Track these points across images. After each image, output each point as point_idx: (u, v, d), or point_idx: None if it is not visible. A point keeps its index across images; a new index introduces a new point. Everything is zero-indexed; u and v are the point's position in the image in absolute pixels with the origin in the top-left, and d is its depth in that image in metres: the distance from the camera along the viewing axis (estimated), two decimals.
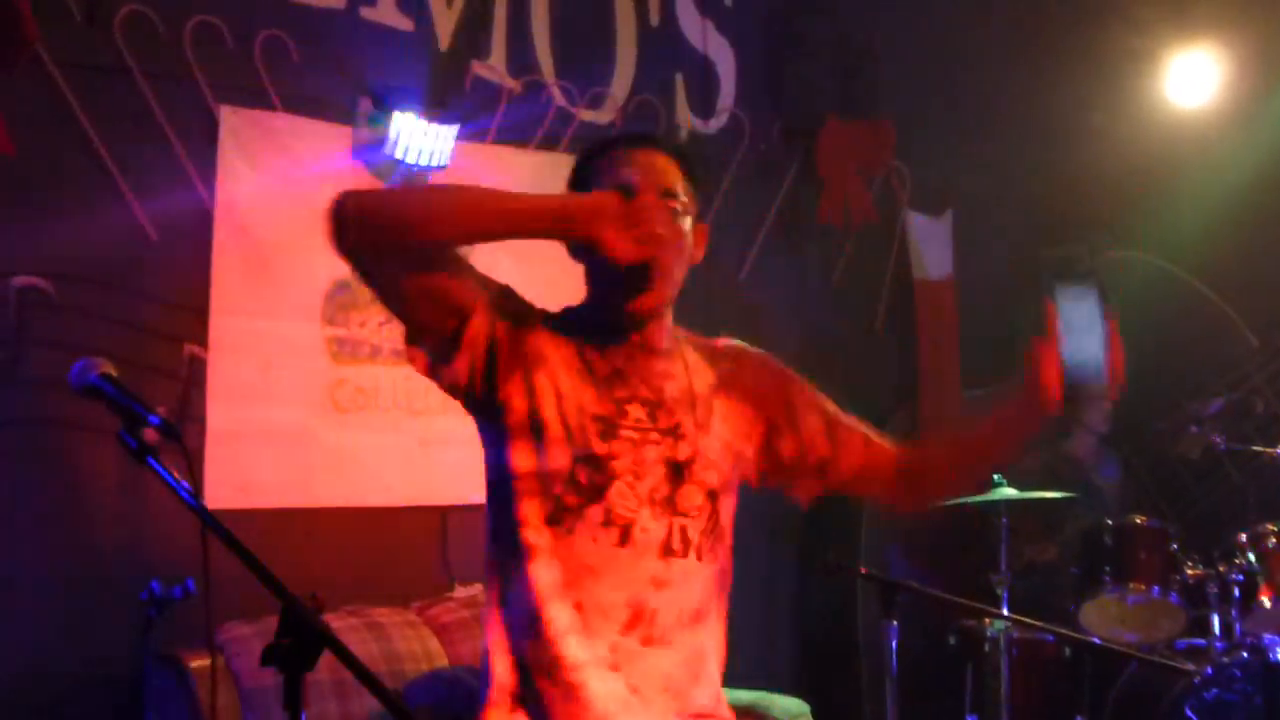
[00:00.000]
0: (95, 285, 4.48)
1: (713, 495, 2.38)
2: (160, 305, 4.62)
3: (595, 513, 2.29)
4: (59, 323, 4.37)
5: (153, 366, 4.55)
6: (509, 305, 2.38)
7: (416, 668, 4.65)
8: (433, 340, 2.33)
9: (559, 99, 5.58)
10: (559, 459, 2.30)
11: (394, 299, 2.32)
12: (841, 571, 5.39)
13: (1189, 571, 5.64)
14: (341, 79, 4.98)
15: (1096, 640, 5.56)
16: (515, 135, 5.45)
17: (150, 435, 2.21)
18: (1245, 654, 5.48)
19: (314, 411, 4.93)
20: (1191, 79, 6.52)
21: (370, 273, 2.31)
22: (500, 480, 2.39)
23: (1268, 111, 6.43)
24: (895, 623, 3.91)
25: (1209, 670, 5.44)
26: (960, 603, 4.64)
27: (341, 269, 4.89)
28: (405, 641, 4.73)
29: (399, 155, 4.94)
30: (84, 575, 4.39)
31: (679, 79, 6.01)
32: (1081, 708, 5.78)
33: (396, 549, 5.14)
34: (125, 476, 4.44)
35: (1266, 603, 5.44)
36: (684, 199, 2.38)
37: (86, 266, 4.45)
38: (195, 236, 4.68)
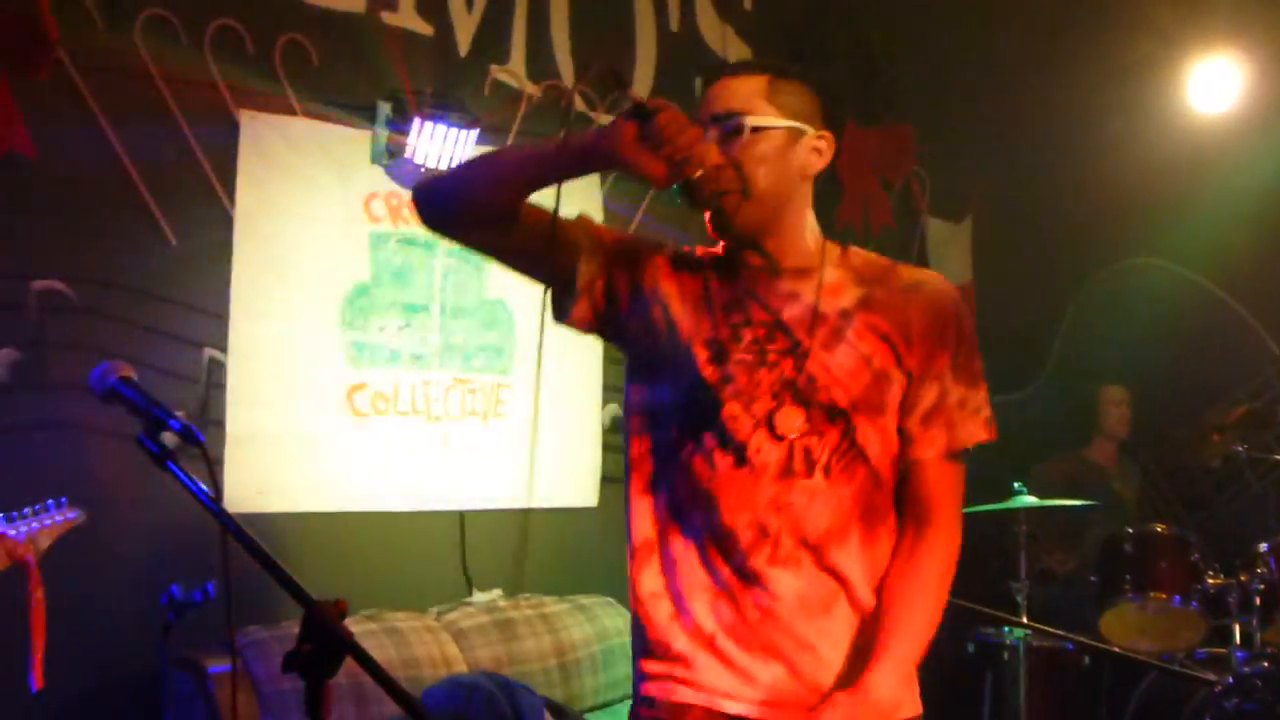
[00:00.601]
0: (115, 289, 4.48)
1: (841, 413, 2.34)
2: (180, 309, 4.62)
3: (710, 438, 2.34)
4: (78, 326, 4.37)
5: (172, 370, 4.56)
6: (622, 248, 2.49)
7: (434, 673, 4.64)
8: (555, 290, 2.49)
9: (578, 104, 5.57)
10: (675, 390, 2.39)
11: (503, 263, 2.53)
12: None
13: (1210, 580, 5.61)
14: (362, 83, 4.98)
15: (1116, 649, 5.54)
16: (537, 137, 5.45)
17: (171, 439, 2.20)
18: (1266, 663, 5.47)
19: (332, 416, 4.92)
20: (1213, 85, 6.49)
21: (465, 243, 2.54)
22: (629, 413, 2.50)
23: None
24: None
25: (1230, 680, 5.42)
26: (980, 610, 4.63)
27: (360, 273, 4.94)
28: (423, 646, 4.72)
29: (418, 160, 4.94)
30: (103, 579, 4.39)
31: (699, 84, 5.99)
32: (1101, 717, 5.76)
33: (414, 553, 5.14)
34: (144, 480, 4.43)
35: None
36: (755, 109, 2.39)
37: (106, 270, 4.46)
38: (215, 240, 4.68)
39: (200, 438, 2.18)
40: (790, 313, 2.39)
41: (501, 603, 5.17)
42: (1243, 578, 5.54)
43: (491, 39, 5.37)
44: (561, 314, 2.50)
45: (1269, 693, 5.41)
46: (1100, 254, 7.10)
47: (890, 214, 6.57)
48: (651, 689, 2.38)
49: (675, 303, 2.43)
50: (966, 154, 6.77)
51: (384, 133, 4.97)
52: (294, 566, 2.03)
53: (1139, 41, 6.60)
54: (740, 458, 2.32)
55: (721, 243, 2.48)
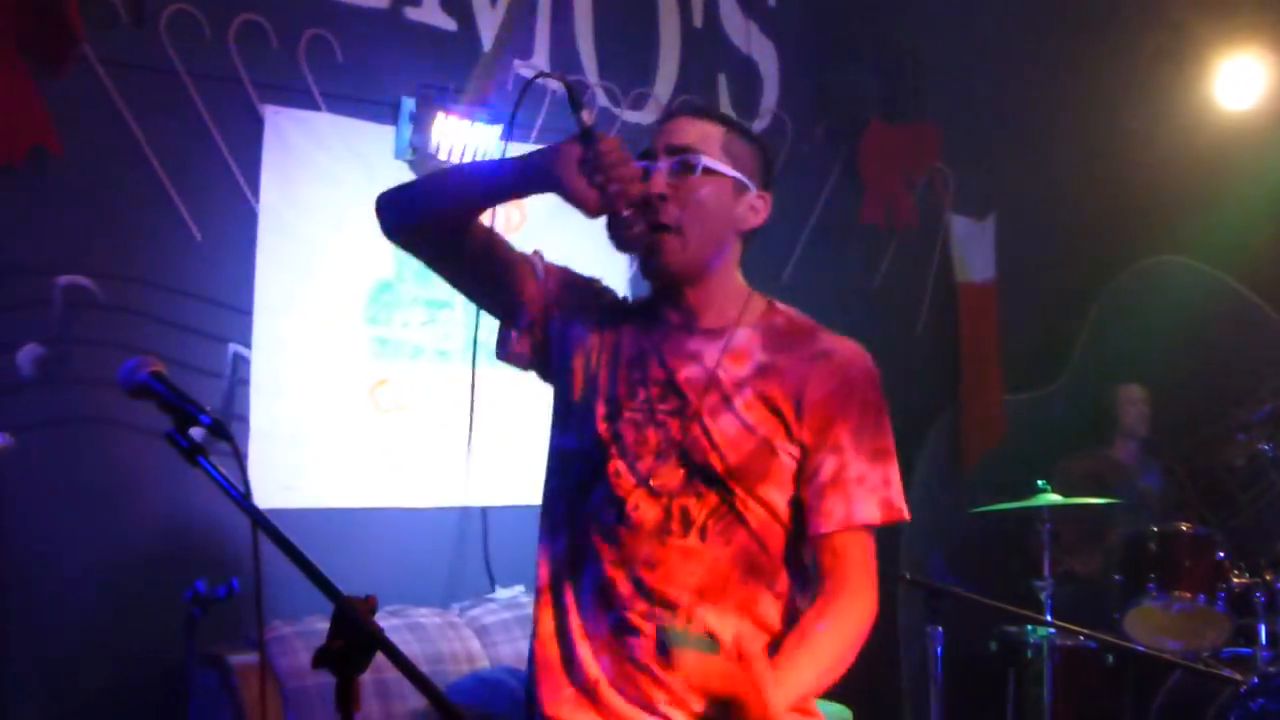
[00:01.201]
0: (140, 284, 4.50)
1: (718, 479, 2.32)
2: (204, 304, 4.63)
3: (598, 492, 2.38)
4: (104, 322, 4.39)
5: (196, 366, 4.58)
6: (566, 290, 2.54)
7: (458, 669, 4.66)
8: (500, 324, 2.55)
9: (602, 99, 5.58)
10: (578, 440, 2.44)
11: (456, 285, 2.58)
12: (894, 579, 5.39)
13: (1235, 579, 5.60)
14: (385, 79, 4.99)
15: (1140, 648, 5.53)
16: (558, 135, 5.41)
17: (200, 435, 2.20)
18: None
19: (356, 411, 4.94)
20: (1237, 82, 6.47)
21: (421, 257, 2.58)
22: (548, 456, 2.56)
23: None
24: (940, 629, 3.89)
25: (1255, 680, 5.39)
26: (1003, 608, 4.62)
27: (384, 269, 4.95)
28: (447, 643, 4.73)
29: (442, 155, 4.95)
30: (129, 574, 4.41)
31: (722, 80, 6.01)
32: (1124, 716, 5.74)
33: (438, 550, 5.14)
34: (169, 475, 4.45)
35: None
36: (705, 155, 2.38)
37: (131, 266, 4.48)
38: (240, 236, 4.70)
39: (231, 434, 2.18)
40: (687, 373, 2.38)
41: (524, 599, 5.17)
42: (1268, 576, 5.52)
43: (515, 34, 5.37)
44: (501, 348, 2.57)
45: None
46: (1125, 251, 7.08)
47: (913, 212, 6.55)
48: None
49: (594, 354, 2.46)
50: (990, 151, 6.76)
51: (407, 128, 4.97)
52: (317, 562, 2.04)
53: (1163, 38, 6.58)
54: (620, 514, 2.35)
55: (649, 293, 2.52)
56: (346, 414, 4.92)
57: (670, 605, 2.31)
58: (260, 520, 2.07)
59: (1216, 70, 6.51)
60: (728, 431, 2.34)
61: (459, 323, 5.18)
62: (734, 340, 2.40)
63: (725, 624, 2.34)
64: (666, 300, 2.46)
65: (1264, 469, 6.58)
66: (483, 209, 2.48)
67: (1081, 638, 5.52)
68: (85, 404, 4.36)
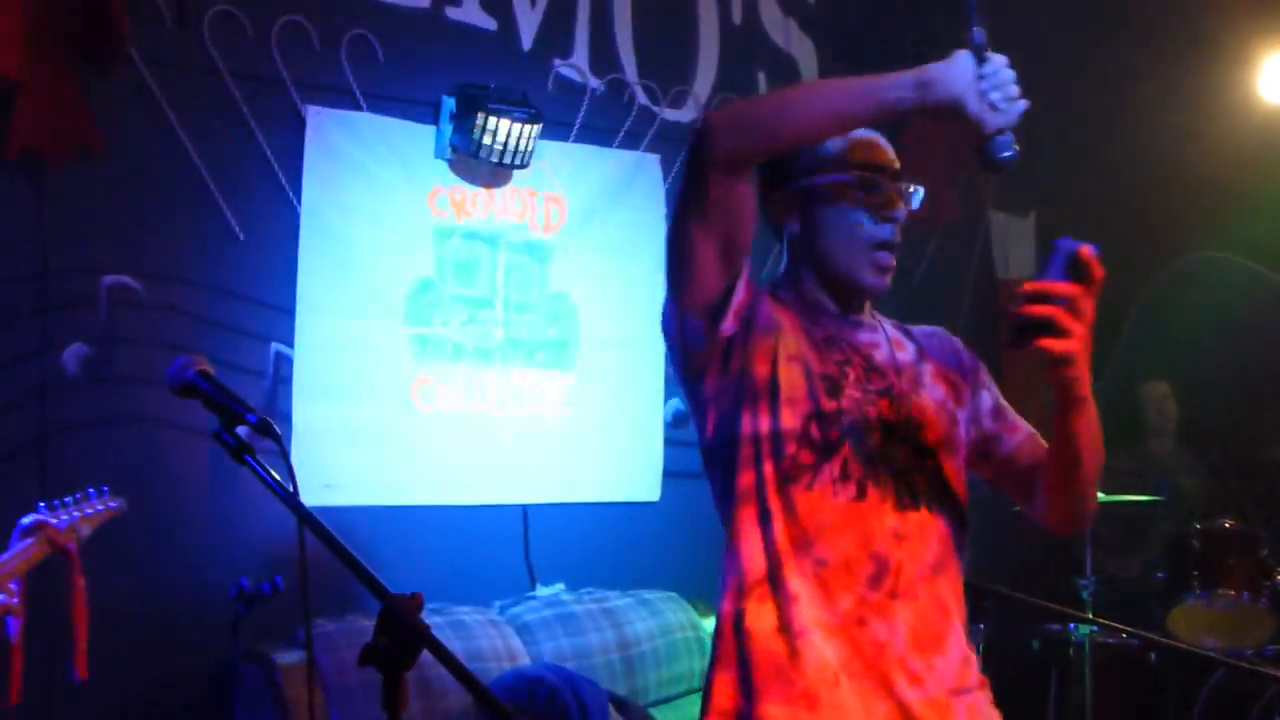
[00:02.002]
0: (184, 284, 4.53)
1: (930, 452, 2.38)
2: (247, 304, 4.66)
3: (831, 468, 2.30)
4: (148, 321, 4.42)
5: (239, 365, 4.60)
6: (750, 276, 2.41)
7: (499, 666, 4.67)
8: (705, 299, 2.34)
9: (641, 97, 5.58)
10: (793, 418, 2.31)
11: (700, 234, 2.31)
12: None
13: (1279, 577, 5.58)
14: (426, 79, 5.01)
15: (1184, 646, 5.50)
16: (597, 134, 5.46)
17: (246, 433, 2.21)
18: None
19: (397, 410, 4.96)
20: None
21: (709, 189, 2.28)
22: (732, 442, 2.36)
23: None
24: (982, 626, 3.89)
25: None
26: (1046, 607, 4.61)
27: (424, 268, 4.96)
28: (488, 640, 4.75)
29: (483, 155, 4.96)
30: (175, 571, 4.44)
31: (761, 77, 6.00)
32: (1167, 715, 5.72)
33: (478, 548, 5.16)
34: (212, 473, 4.48)
35: None
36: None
37: (175, 265, 4.51)
38: (282, 236, 4.72)
39: (278, 433, 2.19)
40: (879, 357, 2.43)
41: (565, 597, 5.19)
42: None
43: (555, 33, 5.38)
44: (715, 326, 2.35)
45: None
46: (1169, 248, 7.03)
47: (955, 208, 6.53)
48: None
49: (789, 336, 2.37)
50: (1032, 146, 6.69)
51: (448, 128, 4.99)
52: (360, 560, 2.05)
53: (1210, 32, 6.53)
54: (860, 490, 2.30)
55: (802, 284, 2.47)
56: (388, 412, 4.94)
57: (915, 581, 2.30)
58: (308, 519, 2.08)
59: (1261, 65, 6.47)
60: (930, 406, 2.42)
61: (498, 321, 5.19)
62: (888, 330, 2.51)
63: (954, 595, 2.37)
64: (830, 295, 2.45)
65: None
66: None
67: (1124, 636, 5.50)
68: (131, 403, 4.39)
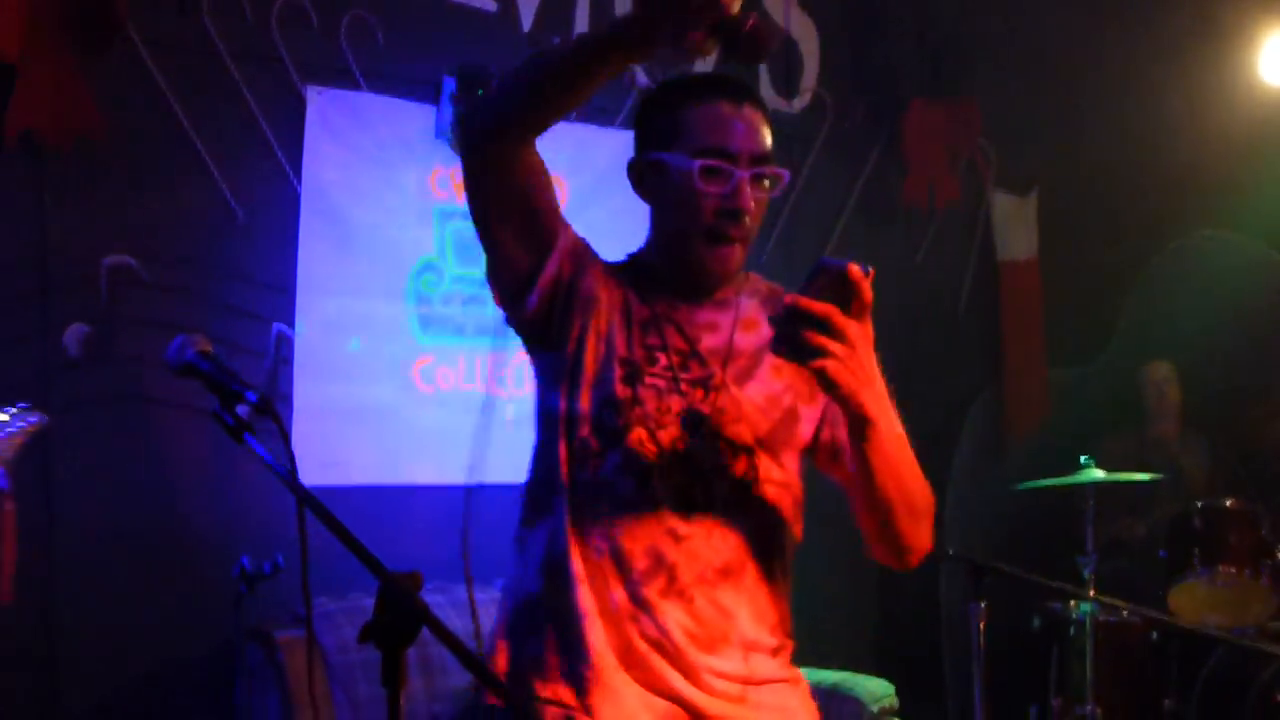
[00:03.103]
0: (184, 264, 4.52)
1: (742, 449, 2.30)
2: (248, 284, 4.66)
3: (614, 457, 2.27)
4: (148, 301, 4.42)
5: (240, 345, 4.60)
6: (578, 250, 2.38)
7: None
8: (511, 276, 2.35)
9: (641, 78, 5.56)
10: (586, 401, 2.30)
11: (493, 218, 2.33)
12: (938, 557, 5.36)
13: None
14: (426, 59, 4.99)
15: (1185, 624, 5.51)
16: (599, 114, 5.45)
17: (246, 413, 2.21)
18: None
19: (399, 389, 4.96)
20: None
21: (480, 178, 2.32)
22: (542, 419, 2.42)
23: None
24: (983, 604, 3.88)
25: None
26: (1047, 584, 4.61)
27: (426, 248, 4.95)
28: (489, 618, 4.73)
29: None
30: (176, 551, 4.45)
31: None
32: (1169, 692, 5.72)
33: (479, 526, 5.14)
34: (214, 452, 4.48)
35: None
36: (776, 165, 2.31)
37: (175, 246, 4.51)
38: (282, 216, 4.71)
39: (277, 412, 2.18)
40: (707, 343, 2.35)
41: None
42: None
43: (555, 14, 5.37)
44: (520, 304, 2.36)
45: None
46: (1169, 227, 7.02)
47: (957, 190, 6.52)
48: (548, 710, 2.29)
49: (603, 315, 2.34)
50: (1033, 126, 6.72)
51: (449, 108, 4.98)
52: (362, 539, 2.05)
53: (1210, 13, 6.53)
54: (642, 484, 2.27)
55: (650, 256, 2.43)
56: (390, 392, 4.94)
57: (692, 583, 2.26)
58: (307, 498, 2.08)
59: (1259, 46, 6.46)
60: (756, 400, 2.33)
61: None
62: (742, 310, 2.39)
63: (740, 602, 2.31)
64: (679, 272, 2.37)
65: None
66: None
67: (1125, 613, 5.51)
68: (131, 382, 4.39)
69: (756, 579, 2.34)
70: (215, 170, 4.56)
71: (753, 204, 2.28)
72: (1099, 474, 5.43)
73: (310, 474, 2.17)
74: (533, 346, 2.43)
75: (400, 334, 4.97)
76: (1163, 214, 6.95)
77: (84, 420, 4.31)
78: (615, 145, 5.47)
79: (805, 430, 2.38)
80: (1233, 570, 5.54)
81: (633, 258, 2.46)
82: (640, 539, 2.26)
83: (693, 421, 2.28)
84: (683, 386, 2.30)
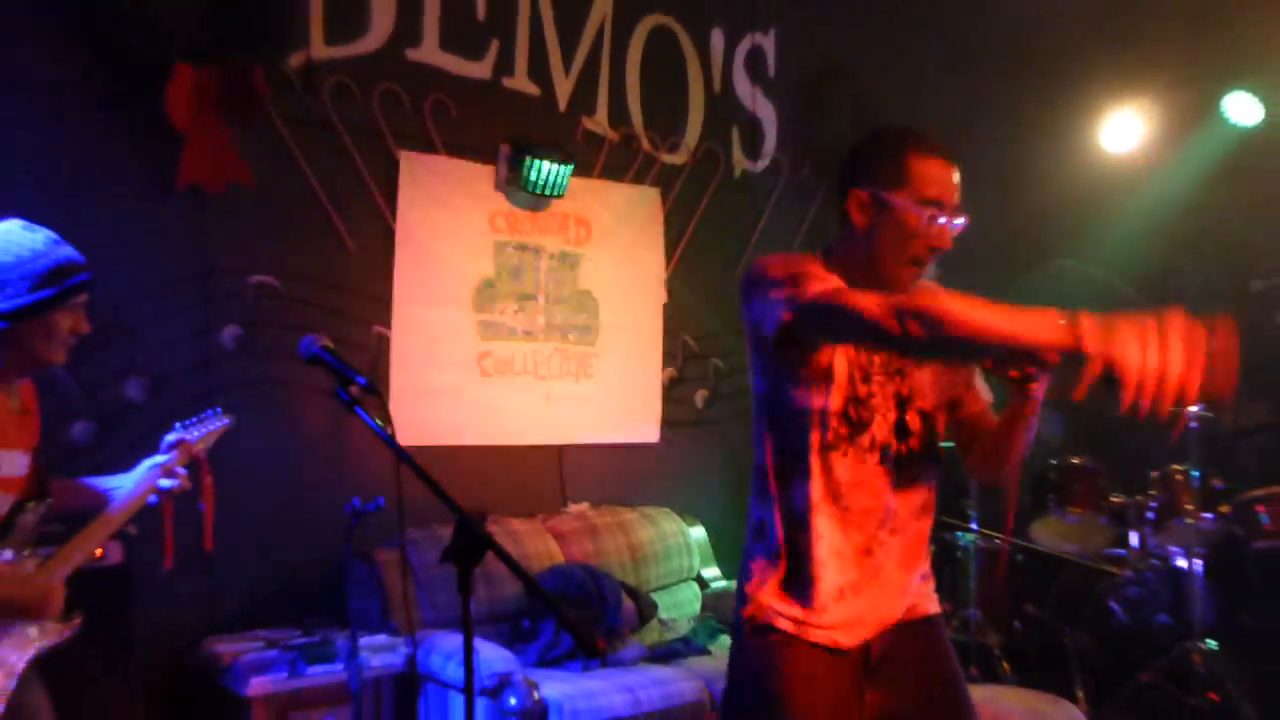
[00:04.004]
0: (310, 282, 4.52)
1: (928, 417, 2.28)
2: (355, 297, 4.65)
3: (864, 439, 2.22)
4: (283, 309, 4.42)
5: (350, 342, 4.59)
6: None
7: (541, 564, 4.68)
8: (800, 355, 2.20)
9: (646, 145, 5.56)
10: (838, 400, 2.19)
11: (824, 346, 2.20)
12: None
13: (1114, 500, 5.58)
14: (487, 130, 4.99)
15: (1043, 549, 5.51)
16: (614, 173, 5.44)
17: (357, 392, 2.22)
18: (1156, 561, 5.43)
19: (466, 375, 4.95)
20: (1121, 132, 6.40)
21: (797, 340, 2.14)
22: (787, 412, 2.22)
23: (1182, 156, 6.32)
24: None
25: (1129, 573, 5.38)
26: (942, 520, 4.62)
27: (487, 271, 4.94)
28: (533, 544, 4.76)
29: (529, 188, 4.95)
30: (305, 494, 4.46)
31: (735, 131, 5.96)
32: (1031, 599, 5.72)
33: (526, 476, 5.16)
34: (332, 421, 4.49)
35: (1172, 524, 5.37)
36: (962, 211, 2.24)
37: (303, 268, 4.50)
38: (381, 246, 4.71)
39: (380, 391, 2.19)
40: None
41: (589, 512, 5.19)
42: (1139, 498, 5.50)
43: (583, 97, 5.36)
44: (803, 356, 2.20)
45: (1158, 582, 5.37)
46: (1034, 257, 7.02)
47: None
48: (785, 625, 2.22)
49: None
50: None
51: (504, 167, 4.97)
52: (441, 485, 2.05)
53: (1064, 97, 6.52)
54: (883, 455, 2.23)
55: (855, 262, 2.25)
56: (460, 377, 4.93)
57: (907, 520, 2.26)
58: (402, 454, 2.09)
59: (1101, 121, 6.45)
60: (926, 379, 2.29)
61: (541, 310, 5.18)
62: None
63: (930, 522, 2.32)
64: (874, 283, 2.19)
65: (1137, 418, 6.53)
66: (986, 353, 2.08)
67: (998, 541, 5.51)
68: (272, 370, 4.39)
69: (933, 509, 2.35)
70: (332, 212, 4.56)
71: (951, 243, 2.24)
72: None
73: (403, 437, 2.18)
74: (785, 358, 2.19)
75: (466, 334, 4.96)
76: (1030, 247, 6.95)
77: (236, 398, 4.30)
78: (625, 195, 5.48)
79: (956, 390, 2.36)
80: (1079, 510, 5.54)
81: (827, 262, 2.27)
82: (880, 495, 2.23)
83: (903, 402, 2.25)
84: (889, 376, 2.25)
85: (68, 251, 2.45)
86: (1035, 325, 1.72)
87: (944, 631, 2.39)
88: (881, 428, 2.23)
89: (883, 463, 2.23)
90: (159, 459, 2.70)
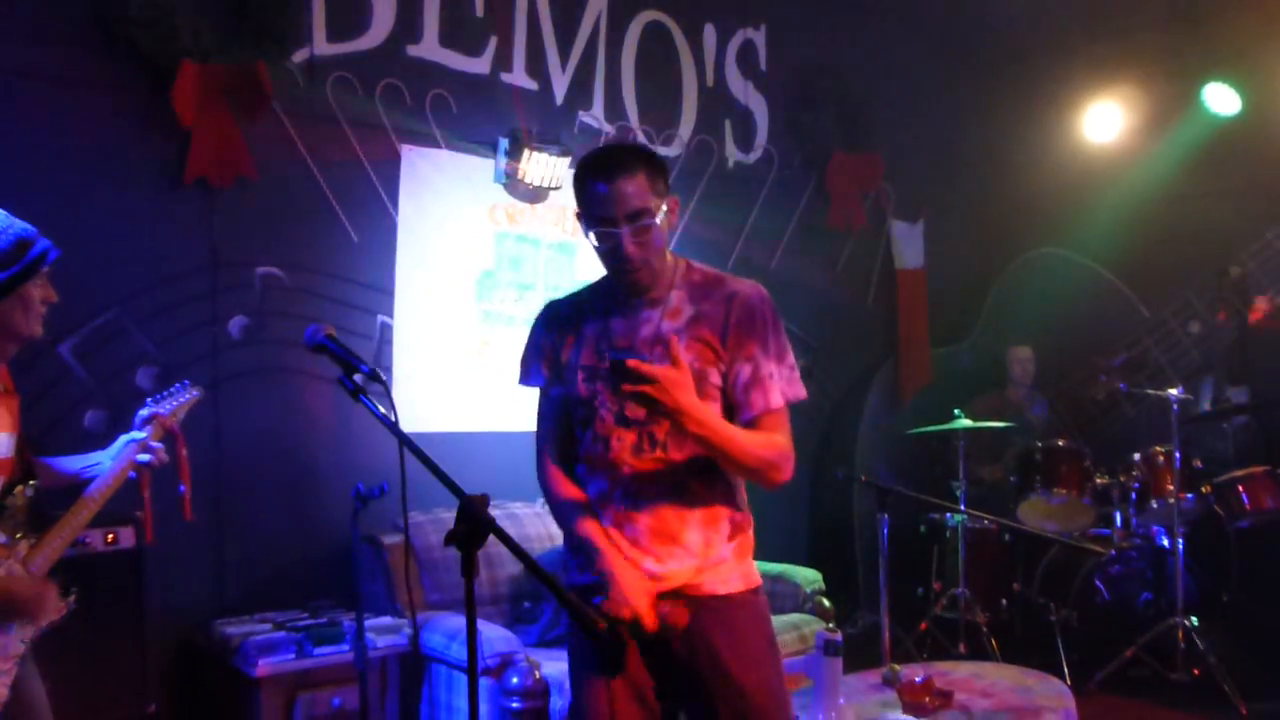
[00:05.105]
0: (315, 273, 4.50)
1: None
2: (359, 287, 4.63)
3: (590, 433, 2.38)
4: (289, 299, 4.40)
5: (354, 330, 4.58)
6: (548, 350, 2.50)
7: (542, 546, 4.66)
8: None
9: (641, 139, 5.54)
10: (571, 403, 2.42)
11: None
12: (852, 481, 5.36)
13: (1098, 480, 5.60)
14: (487, 124, 4.96)
15: (1029, 529, 5.51)
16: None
17: (361, 379, 2.20)
18: (1138, 540, 5.44)
19: (468, 364, 4.93)
20: (1103, 123, 6.39)
21: None
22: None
23: (1159, 147, 6.31)
24: (886, 515, 3.87)
25: (1113, 552, 5.40)
26: (931, 501, 4.61)
27: (487, 262, 4.93)
28: (533, 526, 4.74)
29: (528, 180, 4.92)
30: (311, 479, 4.44)
31: (727, 124, 5.94)
32: (1017, 577, 5.74)
33: (526, 460, 5.10)
34: (337, 408, 4.47)
35: (1154, 504, 5.38)
36: (650, 206, 2.26)
37: (308, 258, 4.48)
38: (384, 238, 4.68)
39: (384, 379, 2.17)
40: (642, 334, 2.35)
41: None
42: (1122, 479, 5.52)
43: (580, 92, 5.33)
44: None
45: (1140, 561, 5.39)
46: (1018, 245, 7.03)
47: (865, 218, 6.49)
48: (575, 579, 2.41)
49: (565, 351, 2.44)
50: (921, 172, 6.70)
51: (503, 160, 4.95)
52: (444, 469, 2.04)
53: (1048, 88, 6.51)
54: (607, 445, 2.35)
55: (605, 283, 2.45)
56: (461, 365, 4.91)
57: (647, 500, 2.32)
58: (406, 440, 2.07)
59: (1084, 112, 6.44)
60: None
61: (540, 300, 5.14)
62: (669, 303, 2.37)
63: (689, 514, 2.34)
64: (623, 287, 2.38)
65: (1118, 401, 6.55)
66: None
67: (986, 522, 5.51)
68: (278, 358, 4.37)
69: (703, 493, 2.36)
70: (336, 204, 4.53)
71: (634, 248, 2.28)
72: (967, 423, 5.43)
73: (405, 424, 2.16)
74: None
75: (468, 323, 4.94)
76: (1014, 235, 6.95)
77: (244, 386, 4.30)
78: None
79: (716, 383, 2.35)
80: (1064, 491, 5.54)
81: (596, 286, 2.49)
82: (614, 478, 2.36)
83: (638, 395, 2.23)
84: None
85: (21, 224, 2.41)
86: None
87: None
88: (604, 422, 2.40)
89: (609, 450, 2.39)
90: (135, 435, 2.67)
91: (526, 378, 2.53)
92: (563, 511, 2.43)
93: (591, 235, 2.31)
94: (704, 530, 2.35)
